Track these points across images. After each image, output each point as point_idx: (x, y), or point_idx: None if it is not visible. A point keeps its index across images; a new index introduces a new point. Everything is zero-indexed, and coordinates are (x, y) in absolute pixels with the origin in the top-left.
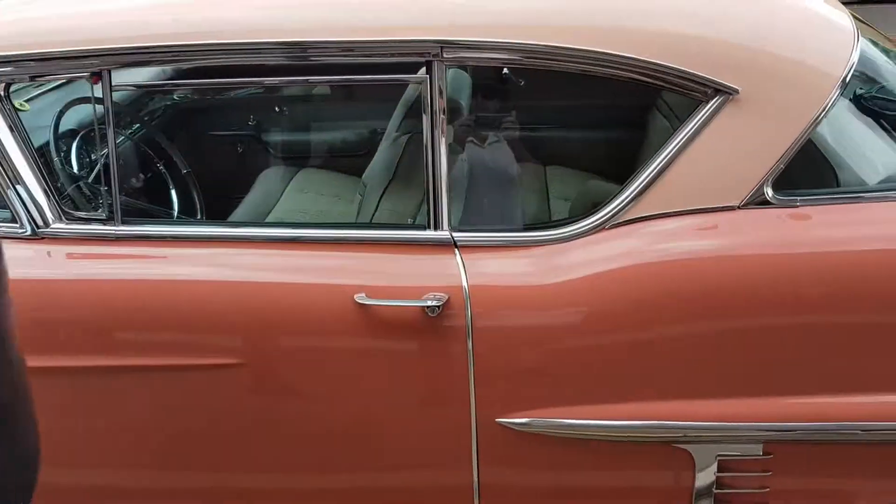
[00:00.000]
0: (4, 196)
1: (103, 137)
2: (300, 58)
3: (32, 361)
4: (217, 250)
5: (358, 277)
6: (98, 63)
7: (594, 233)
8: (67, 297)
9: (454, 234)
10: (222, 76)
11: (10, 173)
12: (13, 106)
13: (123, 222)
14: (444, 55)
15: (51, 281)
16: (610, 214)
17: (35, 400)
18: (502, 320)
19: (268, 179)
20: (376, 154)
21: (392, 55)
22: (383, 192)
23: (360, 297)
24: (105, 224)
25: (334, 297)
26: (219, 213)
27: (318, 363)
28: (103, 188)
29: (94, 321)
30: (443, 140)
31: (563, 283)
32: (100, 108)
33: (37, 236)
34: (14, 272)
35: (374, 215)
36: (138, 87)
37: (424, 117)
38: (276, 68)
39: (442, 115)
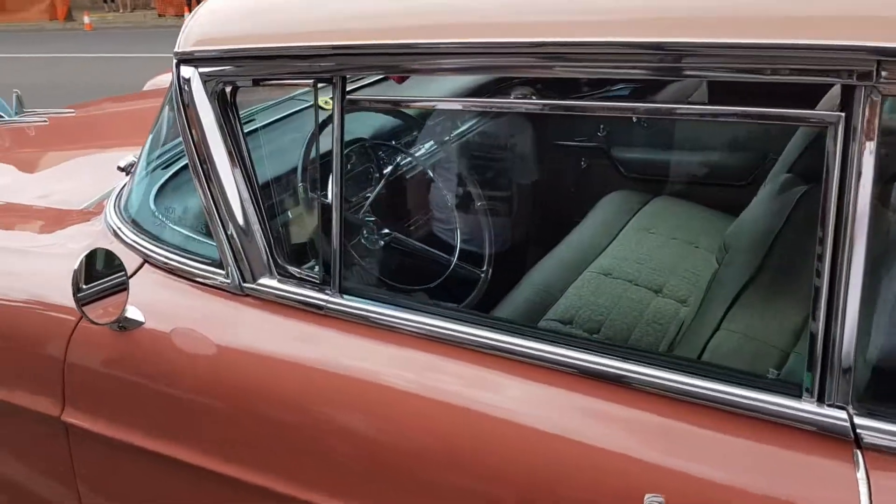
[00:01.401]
0: (215, 235)
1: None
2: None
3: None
4: (475, 371)
5: (656, 474)
6: (333, 65)
7: None
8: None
9: (855, 418)
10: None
11: (227, 211)
12: (238, 116)
13: (343, 290)
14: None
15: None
16: None
17: None
18: None
19: (611, 206)
20: (754, 201)
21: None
22: (744, 287)
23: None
24: (319, 289)
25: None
26: (517, 257)
27: None
28: (333, 246)
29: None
30: (858, 211)
31: None
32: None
33: (241, 291)
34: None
35: (719, 325)
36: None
37: (831, 171)
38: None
39: (861, 174)
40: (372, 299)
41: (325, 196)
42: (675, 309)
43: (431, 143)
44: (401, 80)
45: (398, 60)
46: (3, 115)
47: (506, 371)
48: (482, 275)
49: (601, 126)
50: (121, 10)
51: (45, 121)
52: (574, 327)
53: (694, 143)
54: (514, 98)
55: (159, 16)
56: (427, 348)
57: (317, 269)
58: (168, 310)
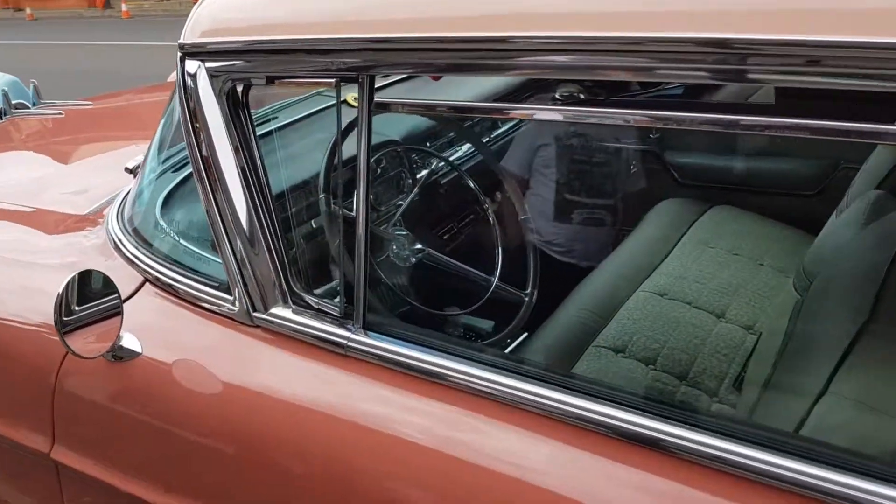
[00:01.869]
0: (222, 255)
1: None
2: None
3: None
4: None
5: None
6: (360, 62)
7: None
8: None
9: None
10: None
11: (235, 227)
12: (250, 118)
13: (368, 326)
14: None
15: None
16: None
17: None
18: None
19: (664, 216)
20: (838, 221)
21: None
22: (855, 337)
23: None
24: (340, 324)
25: None
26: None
27: None
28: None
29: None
30: None
31: None
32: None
33: (251, 322)
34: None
35: (825, 388)
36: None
37: None
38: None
39: None
40: (400, 338)
41: (349, 212)
42: (742, 337)
43: (467, 145)
44: (437, 76)
45: (442, 57)
46: (26, 103)
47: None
48: (526, 297)
49: (654, 127)
50: None
51: (60, 113)
52: (627, 356)
53: (755, 147)
54: (559, 97)
55: (194, 3)
56: (457, 401)
57: (338, 299)
58: (168, 338)
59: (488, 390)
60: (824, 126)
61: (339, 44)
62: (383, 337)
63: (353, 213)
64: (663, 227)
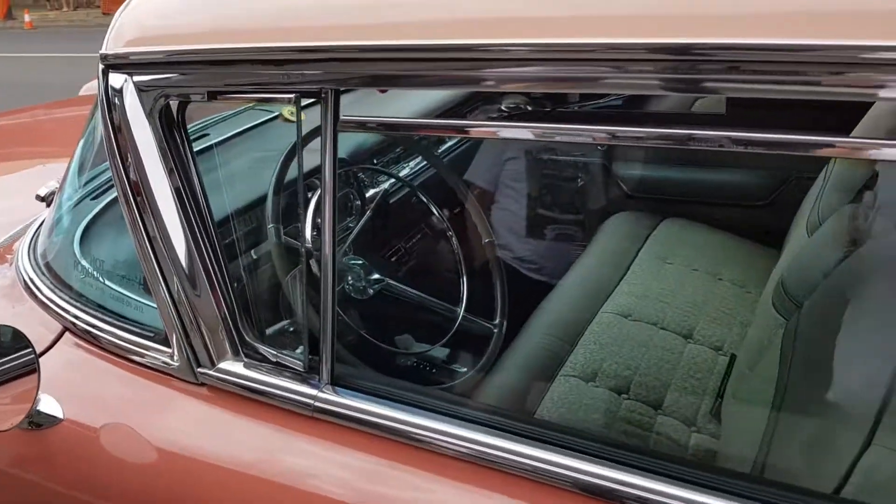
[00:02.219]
0: (156, 299)
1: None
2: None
3: None
4: None
5: None
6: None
7: None
8: None
9: None
10: None
11: (172, 264)
12: (187, 139)
13: (335, 382)
14: None
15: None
16: None
17: None
18: None
19: (616, 230)
20: (815, 237)
21: None
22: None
23: None
24: (303, 380)
25: None
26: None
27: None
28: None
29: None
30: None
31: None
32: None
33: (194, 379)
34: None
35: (869, 441)
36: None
37: None
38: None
39: None
40: (374, 395)
41: (307, 245)
42: (713, 359)
43: (418, 160)
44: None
45: (421, 68)
46: None
47: None
48: (495, 329)
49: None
50: (63, 8)
51: None
52: (598, 384)
53: (704, 158)
54: (505, 108)
55: (104, 14)
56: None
57: (300, 349)
58: (95, 400)
59: (478, 455)
60: (780, 140)
61: (299, 53)
62: (355, 394)
63: (310, 245)
64: (618, 242)
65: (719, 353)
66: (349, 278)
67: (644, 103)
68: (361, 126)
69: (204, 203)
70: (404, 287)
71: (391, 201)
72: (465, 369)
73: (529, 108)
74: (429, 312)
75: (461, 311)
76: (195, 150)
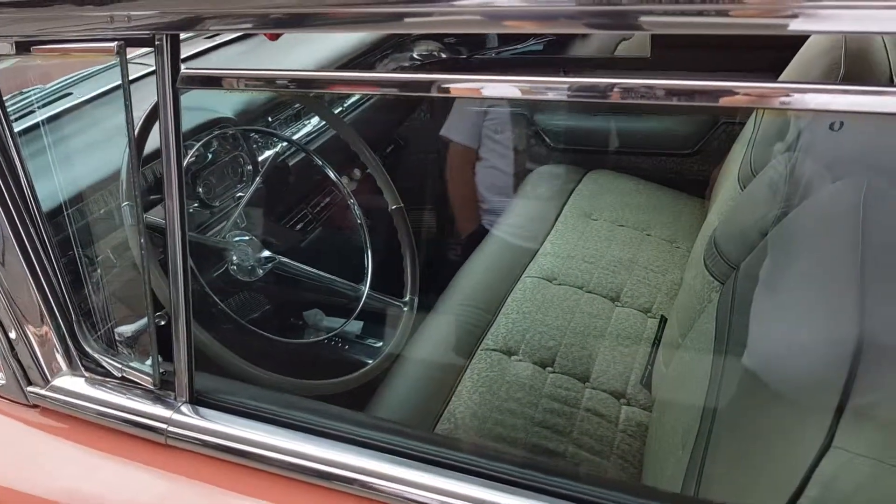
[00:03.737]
0: None
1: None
2: None
3: None
4: None
5: None
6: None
7: None
8: None
9: None
10: None
11: None
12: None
13: (198, 400)
14: None
15: None
16: None
17: None
18: None
19: (539, 185)
20: (747, 191)
21: None
22: (857, 356)
23: None
24: (156, 399)
25: None
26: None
27: None
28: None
29: None
30: None
31: None
32: None
33: (24, 400)
34: None
35: (829, 442)
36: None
37: None
38: None
39: None
40: (244, 414)
41: (160, 231)
42: (641, 322)
43: (317, 120)
44: (275, 36)
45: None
46: None
47: None
48: (405, 307)
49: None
50: None
51: None
52: (521, 358)
53: (629, 106)
54: (418, 56)
55: None
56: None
57: (150, 361)
58: None
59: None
60: (707, 87)
61: None
62: (220, 414)
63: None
64: (540, 197)
65: (648, 316)
66: (234, 257)
67: (564, 49)
68: (210, 81)
69: (26, 182)
70: (300, 265)
71: (287, 164)
72: (380, 347)
73: (444, 56)
74: (330, 292)
75: (366, 288)
76: (16, 124)
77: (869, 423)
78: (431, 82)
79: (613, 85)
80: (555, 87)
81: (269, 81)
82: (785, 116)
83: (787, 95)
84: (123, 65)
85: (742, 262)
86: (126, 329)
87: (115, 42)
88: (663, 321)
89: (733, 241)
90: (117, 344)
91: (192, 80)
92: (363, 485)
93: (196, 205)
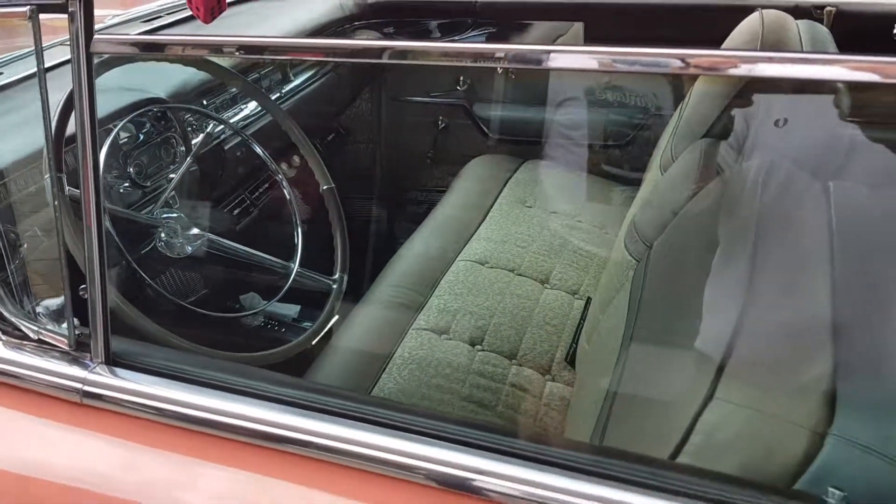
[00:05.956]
0: None
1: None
2: None
3: None
4: None
5: None
6: None
7: None
8: None
9: None
10: None
11: None
12: None
13: (115, 362)
14: None
15: None
16: None
17: None
18: None
19: (476, 174)
20: (666, 176)
21: None
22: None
23: None
24: (73, 360)
25: None
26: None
27: None
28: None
29: None
30: None
31: None
32: None
33: None
34: None
35: (711, 393)
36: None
37: None
38: None
39: None
40: (161, 374)
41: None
42: (568, 303)
43: (254, 104)
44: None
45: None
46: None
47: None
48: (334, 284)
49: (461, 78)
50: None
51: None
52: (452, 337)
53: (568, 93)
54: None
55: None
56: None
57: (66, 324)
58: None
59: (282, 438)
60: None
61: None
62: (136, 374)
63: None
64: (476, 186)
65: (575, 297)
66: (162, 234)
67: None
68: (127, 46)
69: None
70: (230, 242)
71: (222, 147)
72: (309, 327)
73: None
74: (260, 270)
75: (295, 266)
76: None
77: (746, 376)
78: (383, 49)
79: (549, 51)
80: (499, 53)
81: (192, 48)
82: (703, 103)
83: (735, 66)
84: (36, 29)
85: (656, 240)
86: (47, 298)
87: (28, 6)
88: (589, 302)
89: (649, 220)
90: (35, 309)
91: (106, 45)
92: (279, 438)
93: (127, 184)
